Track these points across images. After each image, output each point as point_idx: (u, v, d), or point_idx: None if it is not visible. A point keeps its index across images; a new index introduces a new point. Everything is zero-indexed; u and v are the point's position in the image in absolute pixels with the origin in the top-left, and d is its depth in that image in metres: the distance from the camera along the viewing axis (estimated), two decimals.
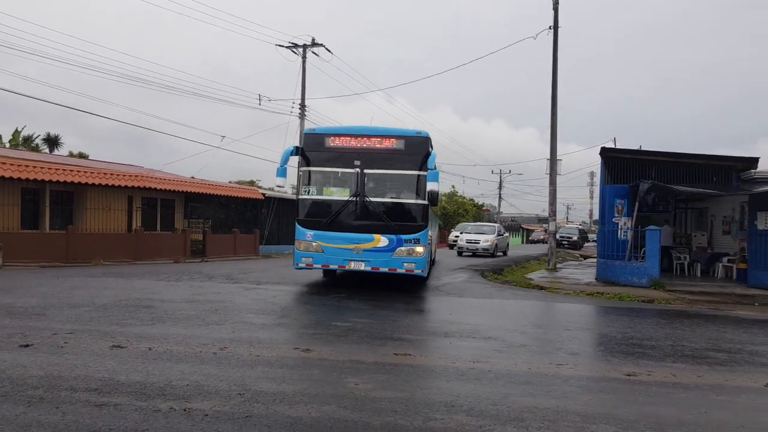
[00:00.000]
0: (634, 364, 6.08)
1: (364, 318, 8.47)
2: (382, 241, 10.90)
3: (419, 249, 10.97)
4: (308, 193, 11.43)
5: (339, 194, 11.26)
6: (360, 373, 5.20)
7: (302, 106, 29.12)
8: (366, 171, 11.04)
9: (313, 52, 29.13)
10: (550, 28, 19.04)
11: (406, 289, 12.19)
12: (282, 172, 11.44)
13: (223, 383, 4.65)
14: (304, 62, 28.92)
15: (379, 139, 11.09)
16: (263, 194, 28.53)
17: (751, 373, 5.91)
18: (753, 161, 14.82)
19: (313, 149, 11.37)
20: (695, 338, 7.80)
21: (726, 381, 5.52)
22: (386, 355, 5.98)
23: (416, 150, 11.06)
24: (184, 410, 3.96)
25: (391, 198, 11.25)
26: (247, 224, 26.94)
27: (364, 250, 10.93)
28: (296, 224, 11.36)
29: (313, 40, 28.80)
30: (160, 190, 21.79)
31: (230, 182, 34.96)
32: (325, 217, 11.13)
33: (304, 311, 8.93)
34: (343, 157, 11.19)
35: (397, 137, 11.13)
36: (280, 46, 28.96)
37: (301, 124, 29.04)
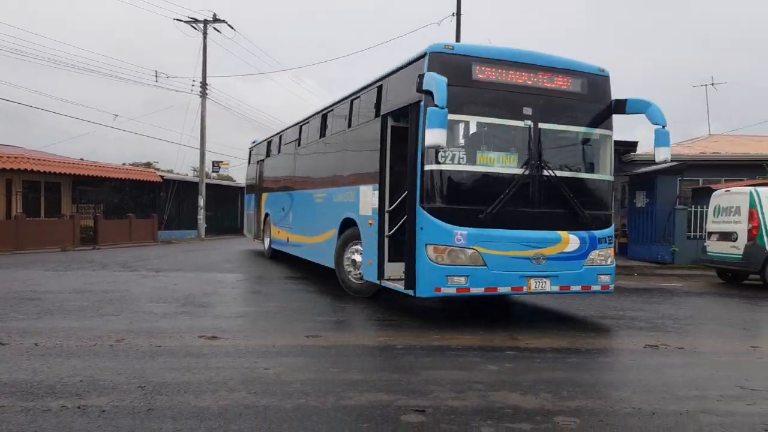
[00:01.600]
0: (532, 335, 6.43)
1: (275, 302, 8.34)
2: (571, 242, 6.77)
3: (611, 252, 7.19)
4: (448, 160, 6.49)
5: (502, 164, 6.77)
6: (271, 357, 5.13)
7: (203, 84, 27.90)
8: (541, 126, 6.79)
9: (215, 29, 27.94)
10: (453, 14, 19.46)
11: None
12: (442, 119, 5.85)
13: (121, 377, 4.40)
14: (204, 39, 27.72)
15: (550, 75, 6.93)
16: (161, 177, 27.14)
17: (632, 336, 6.46)
18: (633, 145, 16.05)
19: (454, 82, 6.21)
20: (584, 307, 8.39)
21: (611, 344, 6.00)
22: (298, 338, 5.94)
23: (599, 96, 7.22)
24: (78, 408, 3.70)
25: (576, 172, 7.12)
26: (144, 209, 25.55)
27: (548, 258, 6.67)
28: (422, 215, 6.42)
29: (215, 15, 27.61)
30: (44, 172, 20.09)
31: (125, 164, 32.93)
32: (483, 203, 6.49)
33: (210, 297, 8.65)
34: (503, 100, 6.75)
35: (576, 73, 7.08)
36: (178, 20, 27.47)
37: (202, 103, 27.89)
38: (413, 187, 6.52)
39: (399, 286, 6.96)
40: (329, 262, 9.34)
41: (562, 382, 4.59)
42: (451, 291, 6.32)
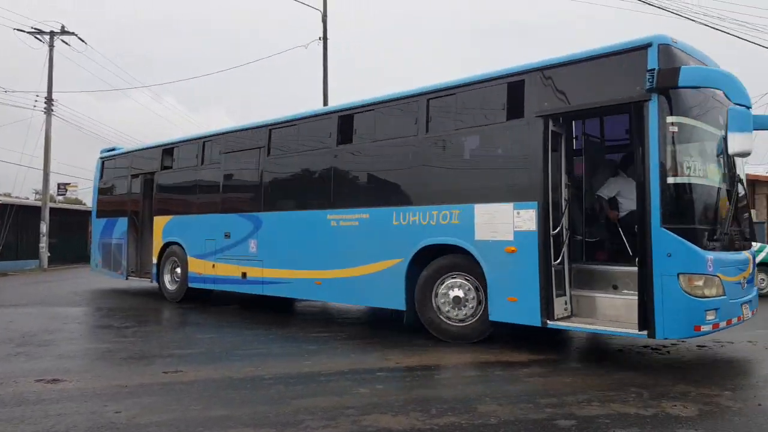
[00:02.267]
0: (404, 354, 6.48)
1: (131, 336, 7.65)
2: (751, 262, 6.27)
3: None
4: (691, 171, 5.46)
5: (722, 177, 5.92)
6: (123, 398, 4.64)
7: (48, 100, 25.39)
8: None
9: (63, 41, 25.61)
10: (319, 39, 19.65)
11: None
12: (748, 121, 5.05)
13: None
14: (51, 51, 25.21)
15: None
16: None
17: (491, 349, 6.75)
18: None
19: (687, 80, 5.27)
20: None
21: (478, 359, 6.21)
22: (155, 375, 5.46)
23: None
24: None
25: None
26: None
27: (747, 281, 6.04)
28: (669, 238, 5.26)
29: (63, 27, 25.32)
30: None
31: None
32: (716, 222, 5.64)
33: (53, 335, 7.72)
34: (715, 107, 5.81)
35: None
36: (20, 30, 24.83)
37: (47, 120, 25.32)
38: (643, 204, 5.40)
39: (593, 327, 5.87)
40: (382, 300, 7.58)
41: (432, 399, 4.65)
42: (707, 328, 5.30)
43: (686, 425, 4.06)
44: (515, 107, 6.38)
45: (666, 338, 5.46)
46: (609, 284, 6.17)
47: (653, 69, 5.28)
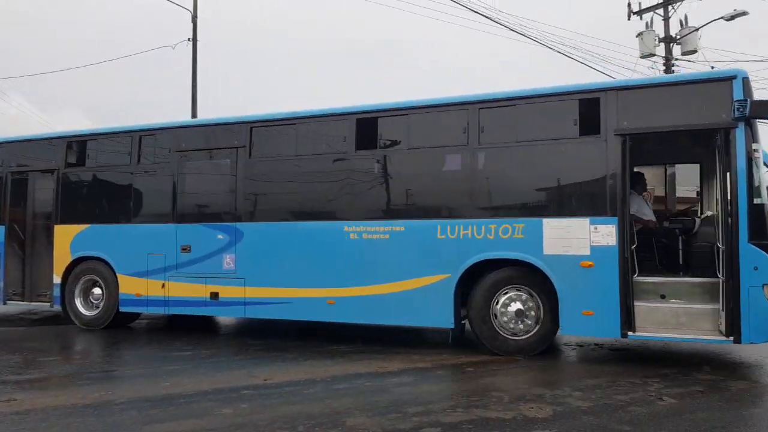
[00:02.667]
0: (270, 370, 6.24)
1: None
2: None
3: None
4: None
5: None
6: None
7: None
8: None
9: None
10: (189, 39, 18.79)
11: None
12: None
13: None
14: None
15: None
16: None
17: (371, 360, 6.73)
18: None
19: None
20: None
21: (348, 371, 6.14)
22: None
23: None
24: None
25: None
26: None
27: None
28: (755, 253, 5.70)
29: None
30: None
31: None
32: None
33: None
34: None
35: None
36: None
37: None
38: (729, 222, 5.77)
39: (678, 335, 6.10)
40: (423, 319, 7.19)
41: (300, 415, 4.50)
42: None
43: (542, 426, 4.27)
44: (590, 123, 6.39)
45: (751, 343, 5.74)
46: (657, 294, 6.40)
47: (744, 100, 5.71)
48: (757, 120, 6.01)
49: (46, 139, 9.72)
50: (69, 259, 8.99)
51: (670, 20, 17.76)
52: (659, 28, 17.83)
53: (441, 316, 6.86)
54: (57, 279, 9.03)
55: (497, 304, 6.69)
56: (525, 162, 6.76)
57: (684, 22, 17.39)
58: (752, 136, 5.82)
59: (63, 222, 9.18)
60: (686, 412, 4.59)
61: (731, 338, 5.71)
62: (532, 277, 6.56)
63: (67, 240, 9.07)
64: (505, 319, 6.68)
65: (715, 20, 16.91)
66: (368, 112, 7.47)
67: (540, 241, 6.47)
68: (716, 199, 6.28)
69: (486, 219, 6.72)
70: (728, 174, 5.83)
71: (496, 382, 5.60)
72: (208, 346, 7.64)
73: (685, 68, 17.96)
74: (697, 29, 17.15)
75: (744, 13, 16.26)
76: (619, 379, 5.63)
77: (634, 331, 6.09)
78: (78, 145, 9.38)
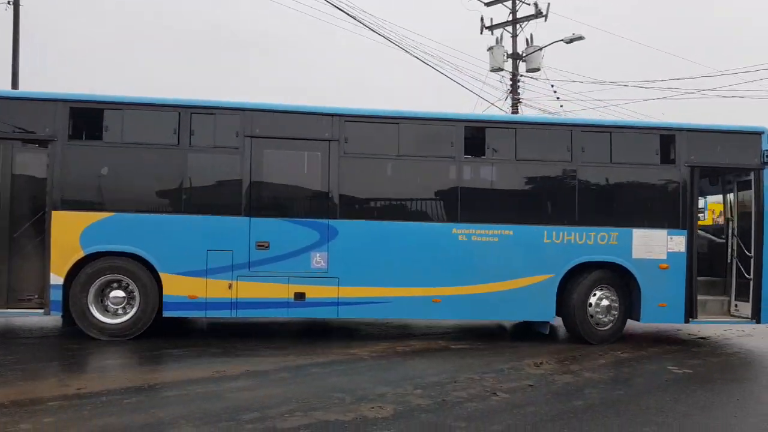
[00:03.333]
0: (87, 378, 5.53)
1: None
2: None
3: None
4: None
5: None
6: None
7: None
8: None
9: None
10: (9, 2, 16.58)
11: None
12: None
13: None
14: None
15: None
16: None
17: (203, 364, 6.25)
18: None
19: None
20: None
21: (185, 376, 5.64)
22: None
23: None
24: None
25: None
26: None
27: None
28: None
29: None
30: None
31: None
32: None
33: None
34: None
35: None
36: None
37: None
38: (759, 238, 7.87)
39: (740, 318, 8.05)
40: (528, 313, 7.95)
41: (114, 428, 3.97)
42: None
43: (381, 426, 4.18)
44: (667, 154, 7.98)
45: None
46: (706, 290, 8.26)
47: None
48: None
49: (40, 99, 7.45)
50: (78, 255, 7.18)
51: (518, 38, 19.08)
52: (509, 45, 19.10)
53: (544, 311, 7.82)
54: (57, 279, 7.14)
55: (592, 300, 7.83)
56: (619, 181, 8.10)
57: (530, 41, 18.79)
58: None
59: (66, 208, 7.27)
60: (517, 407, 4.77)
61: (754, 320, 7.77)
62: (617, 278, 7.92)
63: (74, 231, 7.22)
64: (597, 312, 7.82)
65: (556, 42, 18.48)
66: (477, 121, 8.24)
67: (630, 247, 7.83)
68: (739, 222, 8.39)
69: (587, 227, 7.82)
70: (759, 202, 7.91)
71: (340, 382, 5.45)
72: (14, 351, 6.62)
73: (529, 84, 19.40)
74: (540, 48, 18.61)
75: (581, 38, 17.94)
76: (458, 376, 5.76)
77: (695, 318, 7.85)
78: (91, 112, 7.45)
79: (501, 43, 18.81)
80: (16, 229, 7.20)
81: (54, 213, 7.14)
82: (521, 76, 19.08)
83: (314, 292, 7.51)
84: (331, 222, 7.58)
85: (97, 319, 7.18)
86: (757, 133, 8.06)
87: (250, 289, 7.42)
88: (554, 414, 4.60)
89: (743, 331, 9.17)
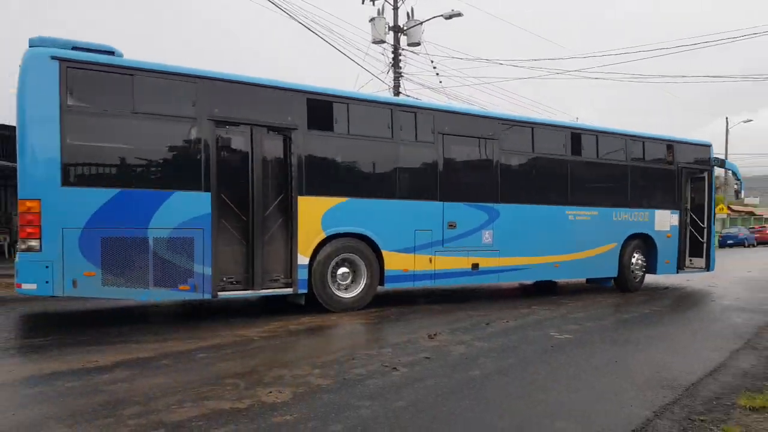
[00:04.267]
0: None
1: None
2: None
3: None
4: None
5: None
6: None
7: None
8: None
9: None
10: None
11: None
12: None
13: None
14: None
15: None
16: None
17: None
18: None
19: None
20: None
21: (41, 369, 4.96)
22: None
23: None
24: None
25: None
26: None
27: None
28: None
29: None
30: None
31: None
32: None
33: None
34: None
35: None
36: None
37: None
38: (709, 214, 12.28)
39: (697, 269, 12.32)
40: (603, 272, 11.07)
41: None
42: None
43: (281, 411, 3.93)
44: (671, 159, 11.81)
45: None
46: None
47: (714, 158, 12.31)
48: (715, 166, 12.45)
49: (282, 89, 7.81)
50: (321, 237, 7.91)
51: (399, 11, 19.06)
52: (391, 18, 19.02)
53: (613, 269, 11.10)
54: (303, 260, 7.76)
55: (633, 260, 11.36)
56: (647, 176, 11.58)
57: (411, 15, 18.87)
58: (710, 176, 12.22)
59: (309, 194, 7.82)
60: (418, 380, 4.74)
61: (706, 269, 12.25)
62: (643, 244, 11.57)
63: (316, 214, 7.88)
64: (636, 269, 11.43)
65: (436, 17, 18.71)
66: (579, 129, 10.86)
67: (653, 223, 11.53)
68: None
69: (633, 209, 11.26)
70: (709, 190, 12.14)
71: (232, 367, 5.09)
72: None
73: (410, 58, 19.54)
74: (421, 23, 18.77)
75: (459, 14, 18.30)
76: (356, 352, 5.63)
77: (683, 269, 11.97)
78: (324, 104, 8.08)
79: (383, 14, 18.69)
80: (263, 212, 7.55)
81: (300, 198, 7.72)
82: (403, 49, 19.14)
83: (485, 262, 9.44)
84: (495, 205, 9.56)
85: (336, 294, 8.16)
86: (707, 146, 12.37)
87: (443, 262, 9.05)
88: (454, 385, 4.62)
89: (688, 280, 13.63)
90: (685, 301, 10.38)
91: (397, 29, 18.96)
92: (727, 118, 41.38)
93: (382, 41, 18.68)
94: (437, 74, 19.69)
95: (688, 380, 4.89)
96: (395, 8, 19.01)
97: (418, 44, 18.88)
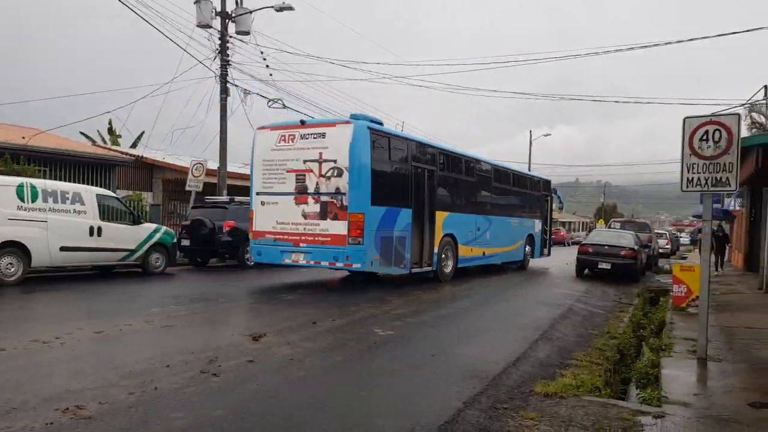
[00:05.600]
0: None
1: None
2: None
3: None
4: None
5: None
6: None
7: None
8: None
9: None
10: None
11: None
12: (562, 203, 24.70)
13: None
14: None
15: None
16: None
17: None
18: None
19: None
20: None
21: None
22: None
23: None
24: None
25: None
26: None
27: None
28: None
29: None
30: None
31: None
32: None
33: None
34: None
35: None
36: None
37: None
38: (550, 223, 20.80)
39: (546, 256, 19.78)
40: (515, 258, 17.15)
41: None
42: None
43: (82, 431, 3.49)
44: (538, 188, 19.16)
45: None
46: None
47: (553, 188, 21.12)
48: None
49: (429, 146, 13.05)
50: (442, 236, 12.77)
51: None
52: (218, 2, 18.14)
53: (520, 256, 17.34)
54: (436, 249, 12.52)
55: (527, 249, 17.83)
56: (532, 199, 18.55)
57: (240, 2, 18.19)
58: None
59: (439, 209, 12.75)
60: (238, 386, 4.54)
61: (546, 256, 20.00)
62: (529, 240, 17.89)
63: (440, 223, 12.69)
64: (527, 254, 17.94)
65: (266, 7, 18.24)
66: (516, 172, 18.34)
67: (534, 227, 18.22)
68: None
69: (530, 218, 18.00)
70: (548, 211, 20.65)
71: (18, 380, 4.41)
72: None
73: (239, 47, 18.81)
74: (250, 12, 18.18)
75: (290, 8, 17.94)
76: (171, 359, 5.23)
77: (542, 255, 19.31)
78: (445, 156, 13.59)
79: None
80: (426, 221, 12.36)
81: (436, 212, 12.71)
82: (230, 37, 18.37)
83: (488, 251, 15.53)
84: (490, 217, 15.58)
85: (444, 271, 12.92)
86: (549, 180, 19.80)
87: (475, 251, 14.56)
88: (278, 388, 4.51)
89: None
90: (499, 294, 11.40)
91: (224, 15, 18.14)
92: (531, 131, 46.14)
93: (208, 26, 17.77)
94: (267, 66, 19.15)
95: (494, 370, 5.32)
96: None
97: (247, 33, 18.27)
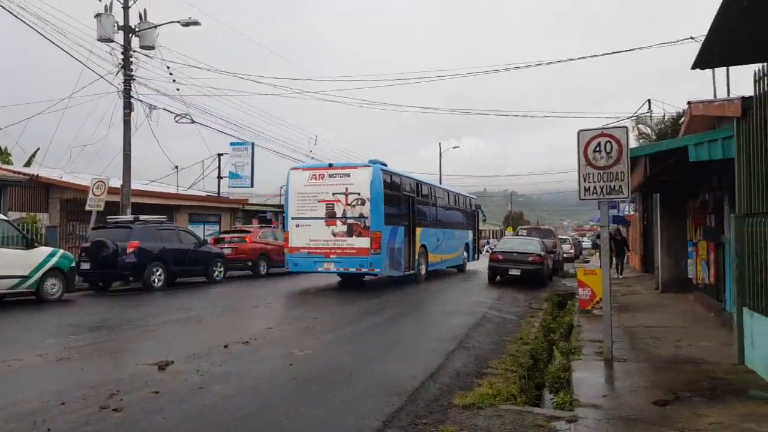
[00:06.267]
0: None
1: None
2: None
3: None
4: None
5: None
6: None
7: None
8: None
9: None
10: None
11: None
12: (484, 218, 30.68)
13: None
14: None
15: None
16: None
17: None
18: None
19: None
20: None
21: None
22: None
23: None
24: None
25: None
26: None
27: None
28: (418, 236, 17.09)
29: None
30: None
31: None
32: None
33: None
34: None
35: None
36: None
37: None
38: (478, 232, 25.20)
39: (475, 260, 23.10)
40: (459, 262, 20.17)
41: None
42: None
43: None
44: (470, 204, 23.02)
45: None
46: None
47: (477, 208, 24.11)
48: None
49: (409, 178, 16.61)
50: (419, 246, 16.00)
51: (131, 10, 17.48)
52: (121, 16, 17.30)
53: (461, 261, 20.64)
54: (417, 257, 15.81)
55: (465, 254, 21.34)
56: (467, 215, 21.99)
57: (143, 16, 17.46)
58: None
59: (417, 226, 16.05)
60: (140, 420, 4.22)
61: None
62: (465, 247, 21.38)
63: (417, 235, 16.01)
64: (465, 259, 21.44)
65: (172, 22, 17.62)
66: (456, 192, 22.43)
67: (468, 237, 21.86)
68: None
69: (465, 230, 21.53)
70: (476, 223, 24.44)
71: None
72: None
73: (144, 62, 18.02)
74: (155, 26, 17.47)
75: (197, 23, 17.46)
76: (68, 395, 4.79)
77: (474, 260, 22.73)
78: (419, 185, 17.12)
79: (111, 12, 16.91)
80: (416, 236, 16.23)
81: (416, 228, 16.12)
82: (134, 51, 17.55)
83: (447, 257, 19.10)
84: (442, 230, 18.73)
85: (421, 274, 16.21)
86: (475, 198, 23.78)
87: (439, 257, 18.32)
88: (185, 419, 4.23)
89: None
90: (420, 305, 11.47)
91: (128, 29, 17.32)
92: (440, 144, 47.30)
93: (110, 40, 16.87)
94: (174, 80, 18.45)
95: (412, 385, 5.29)
96: (126, 7, 17.35)
97: (152, 48, 17.53)
